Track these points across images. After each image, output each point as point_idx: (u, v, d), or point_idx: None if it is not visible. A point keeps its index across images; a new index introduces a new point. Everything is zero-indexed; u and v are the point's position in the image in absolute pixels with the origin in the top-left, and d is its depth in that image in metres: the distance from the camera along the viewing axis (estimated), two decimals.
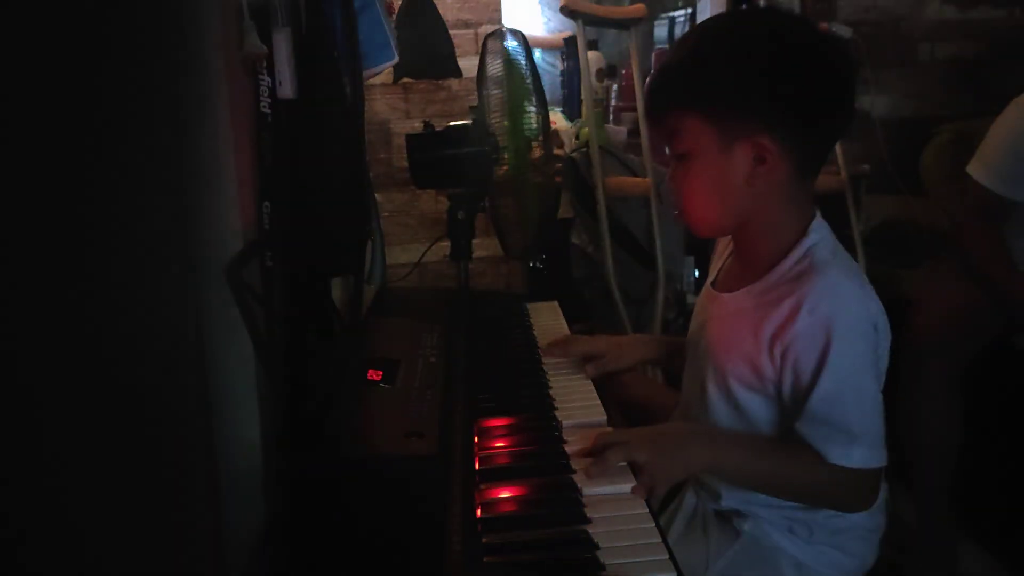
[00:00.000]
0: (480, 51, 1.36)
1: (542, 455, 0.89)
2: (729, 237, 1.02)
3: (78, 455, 0.54)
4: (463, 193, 1.31)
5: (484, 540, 0.74)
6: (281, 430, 0.85)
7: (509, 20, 2.21)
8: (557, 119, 2.22)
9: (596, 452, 0.86)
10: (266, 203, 0.86)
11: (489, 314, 1.35)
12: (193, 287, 0.78)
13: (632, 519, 0.78)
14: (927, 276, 1.94)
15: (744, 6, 2.35)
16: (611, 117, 2.36)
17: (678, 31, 2.62)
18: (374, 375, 0.93)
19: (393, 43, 1.30)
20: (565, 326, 1.31)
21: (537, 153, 1.36)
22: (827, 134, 0.94)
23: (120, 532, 0.60)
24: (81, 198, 0.56)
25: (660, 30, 2.70)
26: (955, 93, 2.52)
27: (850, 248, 1.39)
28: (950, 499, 1.73)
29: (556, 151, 1.86)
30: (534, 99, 1.33)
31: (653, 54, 2.42)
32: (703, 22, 1.06)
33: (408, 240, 2.08)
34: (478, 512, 0.78)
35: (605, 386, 1.10)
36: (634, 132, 2.22)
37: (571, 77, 2.33)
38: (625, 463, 0.85)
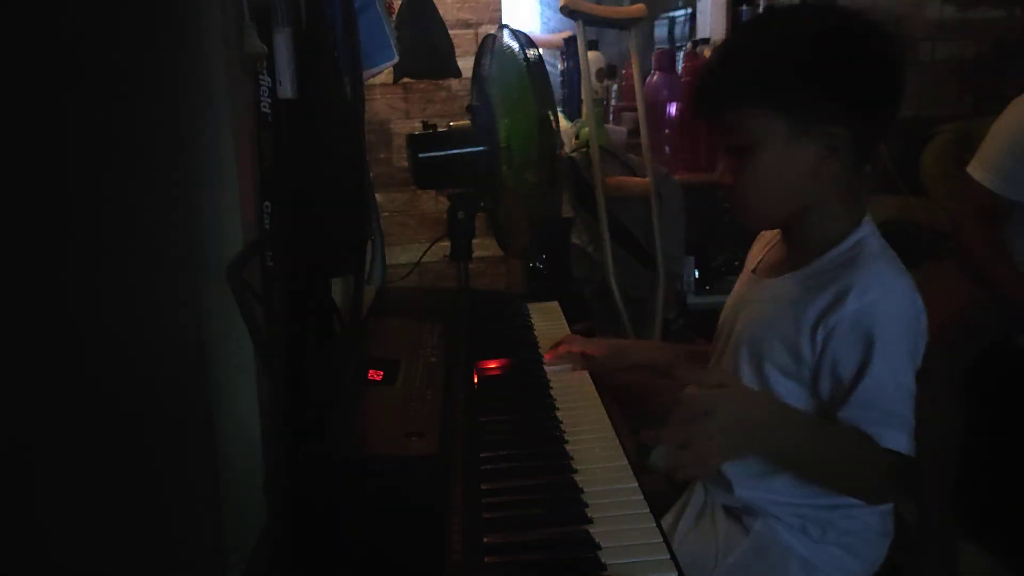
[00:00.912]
0: (477, 51, 1.36)
1: (543, 455, 0.89)
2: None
3: (78, 455, 0.54)
4: (463, 193, 1.30)
5: (485, 540, 0.74)
6: (281, 430, 0.85)
7: (509, 20, 2.21)
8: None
9: (675, 416, 0.78)
10: (266, 203, 0.86)
11: (489, 314, 1.35)
12: (193, 287, 0.78)
13: (633, 519, 0.78)
14: (927, 276, 1.93)
15: (744, 6, 2.35)
16: (611, 117, 2.36)
17: (678, 31, 2.62)
18: (374, 375, 0.93)
19: (393, 43, 1.30)
20: (565, 326, 1.32)
21: (537, 153, 1.35)
22: (885, 124, 0.95)
23: (120, 531, 0.60)
24: (82, 198, 0.56)
25: (660, 30, 2.70)
26: (955, 93, 2.52)
27: None
28: (951, 499, 1.72)
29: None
30: (536, 99, 1.32)
31: (653, 54, 2.41)
32: (752, 18, 1.06)
33: (408, 240, 2.08)
34: (479, 512, 0.77)
35: (605, 386, 1.10)
36: (634, 132, 2.22)
37: (571, 77, 2.33)
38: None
